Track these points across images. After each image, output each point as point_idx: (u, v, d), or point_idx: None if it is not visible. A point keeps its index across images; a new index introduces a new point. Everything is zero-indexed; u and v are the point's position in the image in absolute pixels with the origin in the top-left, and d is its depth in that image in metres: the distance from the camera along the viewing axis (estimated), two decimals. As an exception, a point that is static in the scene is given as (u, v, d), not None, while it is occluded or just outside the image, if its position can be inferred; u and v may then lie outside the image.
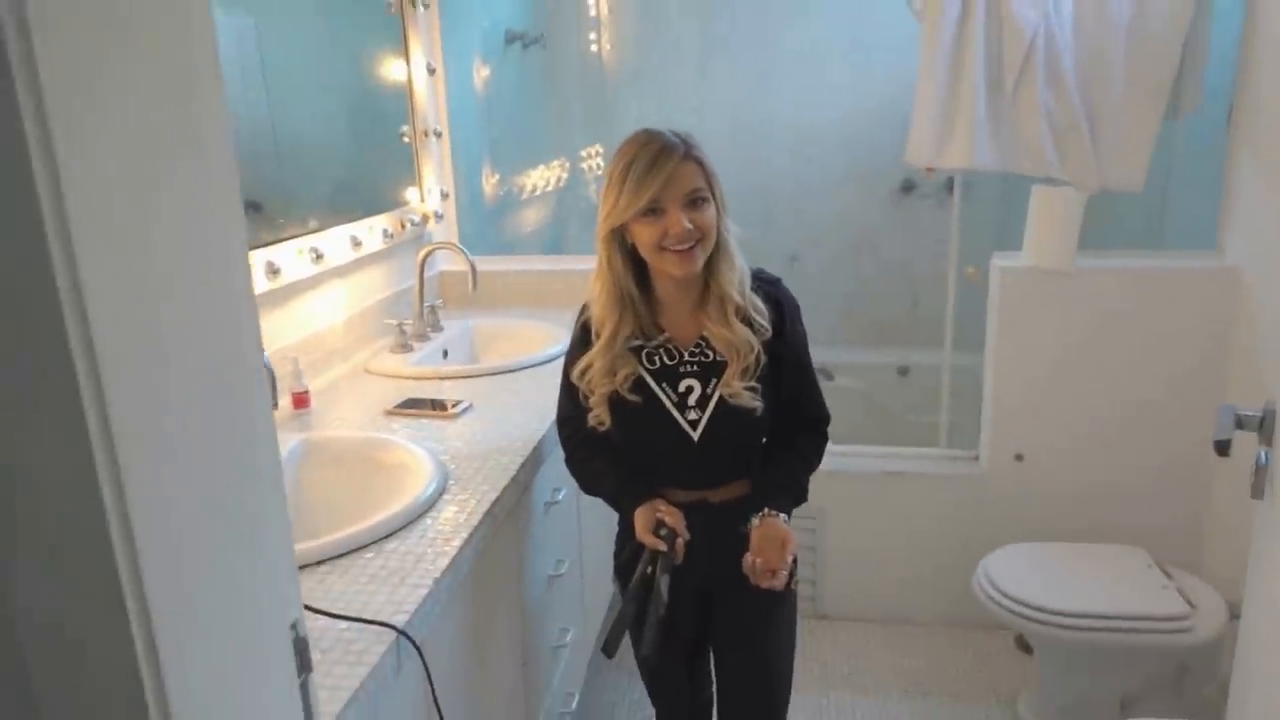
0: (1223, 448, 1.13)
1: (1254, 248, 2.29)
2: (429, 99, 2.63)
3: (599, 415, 1.48)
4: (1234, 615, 2.02)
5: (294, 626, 0.71)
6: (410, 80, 2.54)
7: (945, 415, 2.84)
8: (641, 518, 1.43)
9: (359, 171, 2.41)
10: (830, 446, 1.60)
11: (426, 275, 2.43)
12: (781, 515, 1.45)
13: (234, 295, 0.63)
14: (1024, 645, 2.33)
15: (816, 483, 1.59)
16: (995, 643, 2.63)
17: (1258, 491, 1.17)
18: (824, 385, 1.60)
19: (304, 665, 0.72)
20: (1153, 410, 2.47)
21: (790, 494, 1.50)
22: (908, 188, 3.62)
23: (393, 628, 1.09)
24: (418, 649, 1.11)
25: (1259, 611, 1.14)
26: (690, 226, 1.35)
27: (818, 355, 1.58)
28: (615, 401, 1.47)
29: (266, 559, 0.68)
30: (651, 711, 1.76)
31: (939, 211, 3.51)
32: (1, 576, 0.53)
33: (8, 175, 0.46)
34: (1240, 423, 1.18)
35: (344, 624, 1.10)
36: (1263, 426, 1.17)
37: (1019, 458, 2.58)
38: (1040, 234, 2.46)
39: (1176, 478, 2.49)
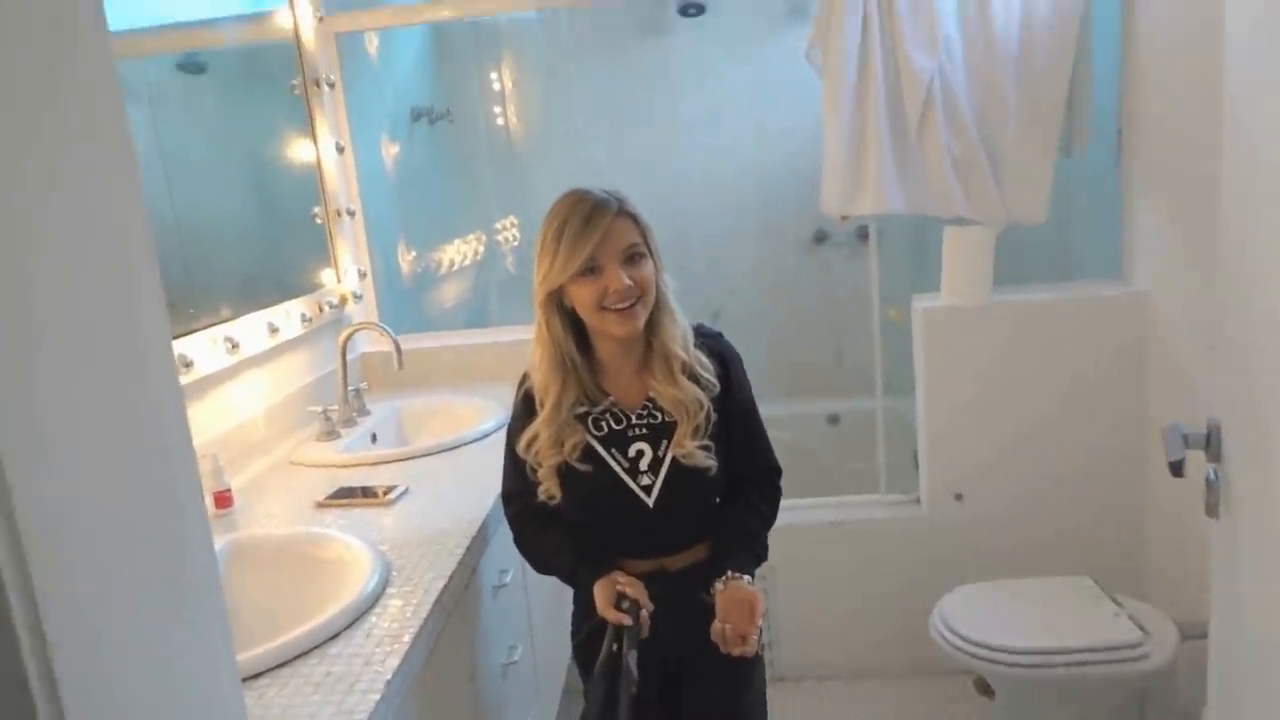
0: (1177, 469, 1.13)
1: (1157, 271, 2.39)
2: (339, 178, 2.57)
3: (548, 488, 1.42)
4: (1184, 636, 2.04)
5: (247, 759, 0.63)
6: (319, 160, 2.48)
7: (882, 459, 2.85)
8: (601, 592, 1.37)
9: (271, 256, 2.33)
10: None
11: (348, 358, 2.34)
12: (745, 577, 1.40)
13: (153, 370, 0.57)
14: (984, 688, 2.30)
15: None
16: (955, 688, 2.60)
17: (1212, 510, 1.18)
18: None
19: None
20: (1080, 435, 2.52)
21: (751, 553, 1.45)
22: (820, 238, 3.70)
23: (347, 743, 1.00)
24: (376, 761, 1.02)
25: (1229, 624, 1.14)
26: (630, 283, 1.33)
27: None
28: (564, 472, 1.41)
29: (207, 669, 0.60)
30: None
31: (853, 260, 3.58)
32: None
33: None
34: (1188, 442, 1.19)
35: (291, 743, 1.00)
36: (1209, 445, 1.18)
37: (959, 497, 2.60)
38: (956, 272, 2.51)
39: (1112, 501, 2.53)
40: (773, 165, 3.59)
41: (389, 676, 1.13)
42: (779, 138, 3.54)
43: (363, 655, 1.19)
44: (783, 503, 1.54)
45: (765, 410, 1.56)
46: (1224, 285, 1.14)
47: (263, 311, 2.12)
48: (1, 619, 0.44)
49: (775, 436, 1.58)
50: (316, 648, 1.22)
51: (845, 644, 2.71)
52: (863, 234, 3.18)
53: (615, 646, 1.31)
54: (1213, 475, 1.19)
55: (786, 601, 2.70)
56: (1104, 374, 2.49)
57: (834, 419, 3.60)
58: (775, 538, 1.48)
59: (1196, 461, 1.18)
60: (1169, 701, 2.13)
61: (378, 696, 1.09)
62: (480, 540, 1.61)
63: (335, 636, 1.25)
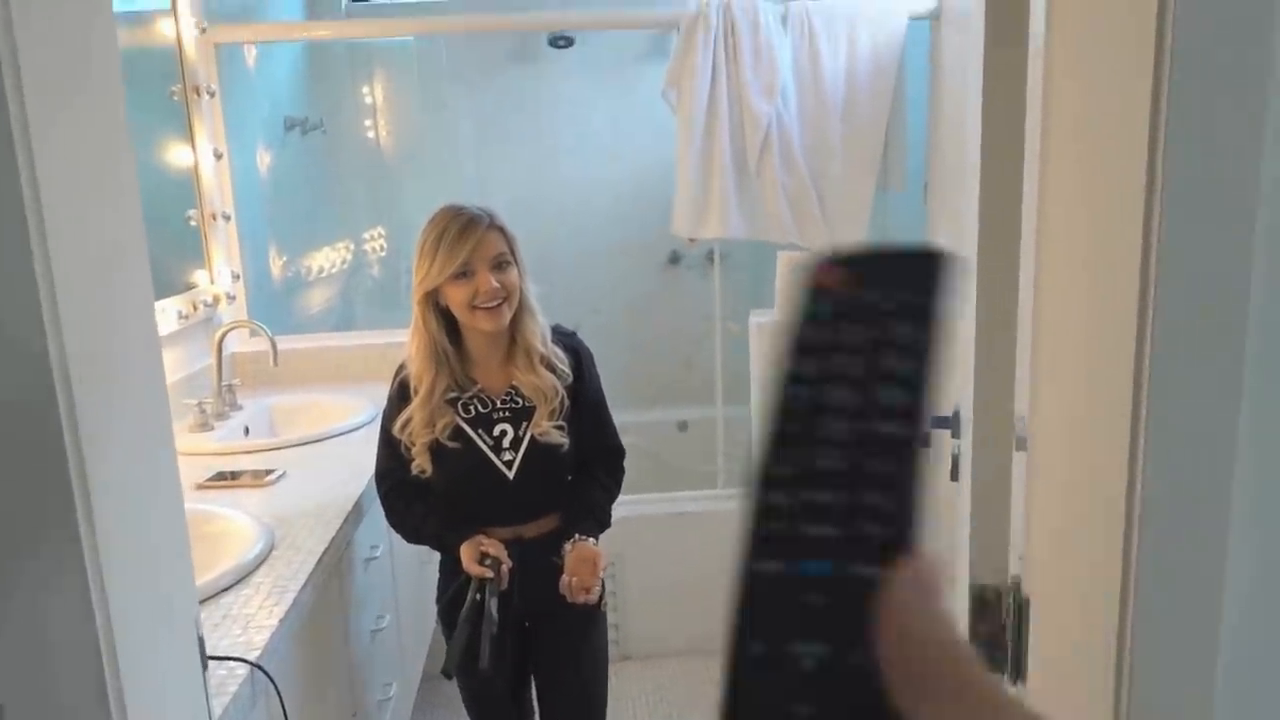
0: (924, 441, 1.45)
1: (952, 296, 2.80)
2: (215, 183, 2.67)
3: (421, 464, 1.62)
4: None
5: (196, 623, 0.81)
6: (197, 165, 2.58)
7: (722, 461, 3.16)
8: (467, 551, 1.58)
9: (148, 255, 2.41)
10: (621, 496, 1.81)
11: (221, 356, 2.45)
12: (590, 539, 1.64)
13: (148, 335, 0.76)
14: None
15: (611, 530, 1.79)
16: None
17: (955, 475, 1.50)
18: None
19: (204, 662, 0.83)
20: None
21: (596, 520, 1.69)
22: (675, 259, 4.01)
23: (246, 661, 1.17)
24: (271, 679, 1.19)
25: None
26: (497, 286, 1.55)
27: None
28: (436, 450, 1.61)
29: (176, 569, 0.79)
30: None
31: (703, 280, 3.91)
32: None
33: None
34: (935, 423, 1.51)
35: (197, 666, 1.17)
36: (951, 424, 1.51)
37: (787, 488, 2.92)
38: (788, 292, 2.85)
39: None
40: (633, 191, 3.87)
41: (282, 614, 1.31)
42: (639, 165, 3.82)
43: (255, 602, 1.36)
44: (630, 497, 1.79)
45: (621, 417, 1.81)
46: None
47: (140, 307, 2.21)
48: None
49: (629, 442, 1.83)
50: (211, 597, 1.37)
51: (687, 624, 2.99)
52: (711, 257, 3.51)
53: (479, 596, 1.53)
54: (956, 449, 1.51)
55: (634, 586, 2.96)
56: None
57: (683, 425, 3.90)
58: (623, 528, 1.71)
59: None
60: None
61: (272, 630, 1.26)
62: (355, 515, 1.78)
63: (229, 589, 1.40)
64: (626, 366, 3.91)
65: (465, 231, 1.54)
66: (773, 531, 0.26)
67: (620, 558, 2.91)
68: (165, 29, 2.50)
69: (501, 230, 1.59)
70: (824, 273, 0.28)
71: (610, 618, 2.93)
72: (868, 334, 0.27)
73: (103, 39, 0.73)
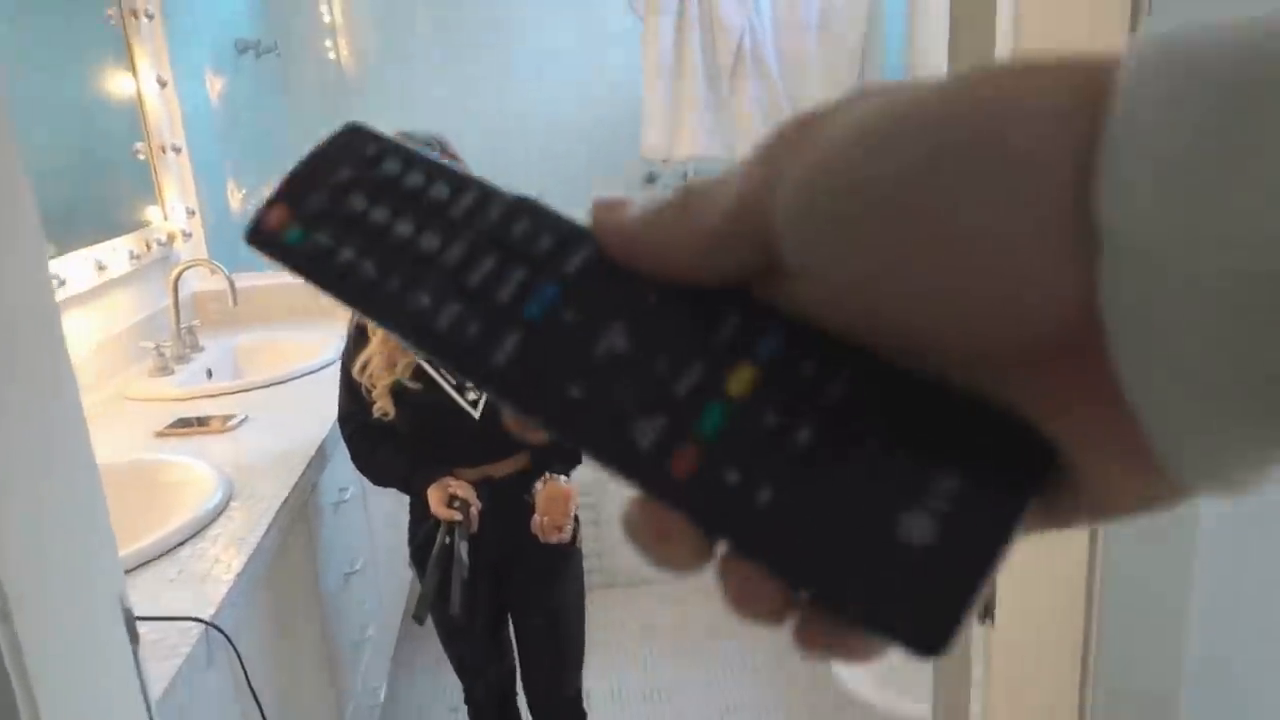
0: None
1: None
2: (162, 113, 2.54)
3: (383, 406, 1.56)
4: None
5: (121, 599, 0.76)
6: (140, 94, 2.45)
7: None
8: (434, 494, 1.53)
9: (92, 193, 2.30)
10: (600, 422, 1.75)
11: (180, 296, 2.36)
12: (561, 477, 1.60)
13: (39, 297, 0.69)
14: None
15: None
16: (764, 580, 2.92)
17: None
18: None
19: (133, 636, 0.78)
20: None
21: (566, 457, 1.65)
22: (651, 179, 3.89)
23: (200, 620, 1.13)
24: (228, 638, 1.16)
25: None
26: (450, 219, 1.47)
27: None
28: (398, 391, 1.55)
29: (89, 538, 0.74)
30: (456, 700, 1.86)
31: (680, 199, 3.80)
32: None
33: None
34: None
35: (147, 626, 1.12)
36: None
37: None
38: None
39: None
40: (608, 106, 3.73)
41: (239, 569, 1.26)
42: (614, 81, 3.67)
43: (211, 555, 1.32)
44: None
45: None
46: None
47: (87, 249, 2.11)
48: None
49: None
50: (167, 553, 1.33)
51: (669, 551, 2.98)
52: (686, 176, 3.40)
53: (448, 540, 1.49)
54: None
55: (615, 513, 2.94)
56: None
57: (663, 350, 3.84)
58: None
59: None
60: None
61: (228, 586, 1.22)
62: (319, 459, 1.73)
63: (184, 543, 1.36)
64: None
65: (414, 162, 1.45)
66: (472, 339, 0.22)
67: (601, 486, 2.88)
68: (95, -52, 2.34)
69: (454, 159, 1.50)
70: (269, 217, 0.25)
71: (593, 546, 2.93)
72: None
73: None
